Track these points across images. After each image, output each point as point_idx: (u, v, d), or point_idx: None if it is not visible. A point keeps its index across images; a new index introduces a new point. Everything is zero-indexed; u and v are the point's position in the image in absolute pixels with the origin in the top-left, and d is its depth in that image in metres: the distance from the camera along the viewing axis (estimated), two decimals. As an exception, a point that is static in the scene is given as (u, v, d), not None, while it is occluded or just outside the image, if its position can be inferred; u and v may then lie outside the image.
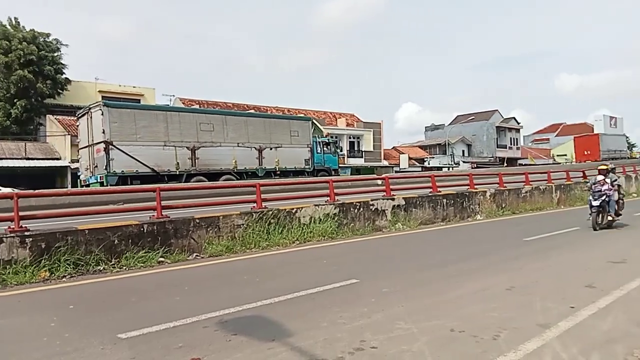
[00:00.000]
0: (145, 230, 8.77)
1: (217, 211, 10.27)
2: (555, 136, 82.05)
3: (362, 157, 48.06)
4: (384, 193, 13.80)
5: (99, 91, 36.60)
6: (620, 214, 12.94)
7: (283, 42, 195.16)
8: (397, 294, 5.98)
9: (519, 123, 67.62)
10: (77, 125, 20.26)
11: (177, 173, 19.13)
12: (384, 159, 49.92)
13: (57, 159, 29.69)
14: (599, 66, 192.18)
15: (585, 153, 50.10)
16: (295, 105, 50.12)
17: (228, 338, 4.45)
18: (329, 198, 12.24)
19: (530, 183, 19.63)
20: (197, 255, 9.17)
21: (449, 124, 67.26)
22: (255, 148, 21.43)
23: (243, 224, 10.13)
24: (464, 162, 55.85)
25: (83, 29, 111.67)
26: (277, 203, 11.55)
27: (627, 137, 61.94)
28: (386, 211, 13.29)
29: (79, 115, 19.83)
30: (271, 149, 21.90)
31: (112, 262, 8.10)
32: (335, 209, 11.94)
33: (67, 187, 25.95)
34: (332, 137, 30.58)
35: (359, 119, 52.50)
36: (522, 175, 20.56)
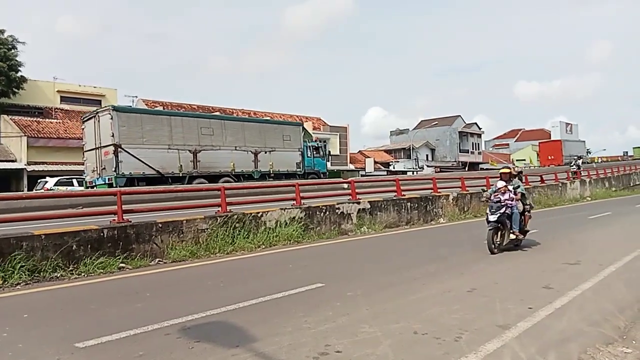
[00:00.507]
0: (105, 235, 8.52)
1: (181, 215, 10.09)
2: (515, 141, 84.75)
3: (328, 160, 48.11)
4: (350, 197, 13.90)
5: (58, 91, 35.45)
6: (528, 231, 10.30)
7: (250, 44, 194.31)
8: (362, 298, 6.02)
9: (480, 128, 69.50)
10: (83, 129, 20.38)
11: (180, 175, 19.65)
12: (350, 162, 50.28)
13: (12, 160, 28.52)
14: (557, 74, 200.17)
15: (550, 158, 53.27)
16: (261, 108, 49.93)
17: (190, 345, 4.37)
18: (295, 202, 12.22)
19: (491, 187, 20.15)
20: (159, 261, 8.97)
21: (414, 129, 68.44)
22: (251, 152, 22.17)
23: (207, 229, 9.98)
24: (427, 166, 56.87)
25: (42, 27, 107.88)
26: (243, 207, 11.45)
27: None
28: (352, 215, 13.38)
29: (85, 119, 20.07)
30: (266, 152, 22.67)
31: (70, 269, 7.81)
32: (301, 212, 11.93)
33: (23, 191, 24.94)
34: (321, 141, 31.47)
35: (325, 122, 52.67)
36: (483, 179, 21.10)
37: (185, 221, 9.76)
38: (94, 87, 36.90)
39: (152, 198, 13.36)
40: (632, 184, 39.30)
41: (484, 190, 10.95)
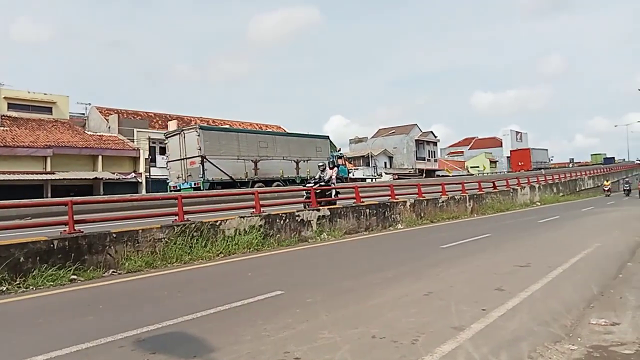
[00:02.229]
0: (55, 247, 8.18)
1: (137, 225, 9.83)
2: (469, 149, 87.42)
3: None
4: (310, 204, 13.94)
5: (5, 97, 33.86)
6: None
7: (214, 52, 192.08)
8: (321, 304, 6.04)
9: (436, 137, 71.26)
10: (166, 144, 25.00)
11: (246, 180, 23.72)
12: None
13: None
14: (511, 84, 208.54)
15: (520, 164, 60.09)
16: (221, 115, 49.36)
17: (146, 357, 4.26)
18: (254, 210, 12.14)
19: (447, 193, 20.73)
20: (114, 272, 8.69)
21: (372, 137, 69.41)
22: (294, 161, 26.66)
23: (164, 238, 9.76)
24: (386, 173, 57.74)
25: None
26: (202, 215, 11.27)
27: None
28: (312, 222, 13.42)
29: (169, 135, 24.92)
30: (304, 161, 27.15)
31: (17, 282, 7.45)
32: (261, 220, 11.86)
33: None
34: (342, 152, 37.58)
35: (285, 130, 52.63)
36: (439, 186, 21.66)
37: (141, 231, 9.50)
38: (44, 94, 35.46)
39: (106, 208, 12.96)
40: (577, 189, 41.37)
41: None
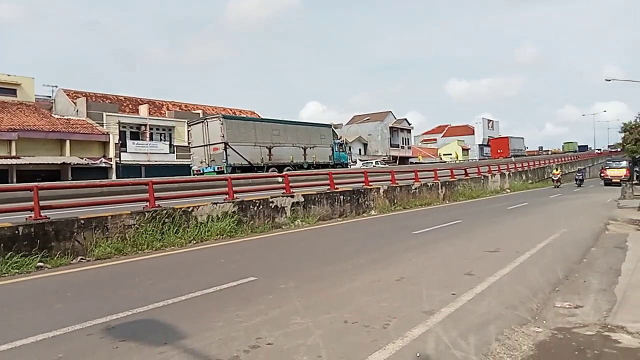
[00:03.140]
0: (20, 233, 7.95)
1: (106, 211, 9.62)
2: (442, 137, 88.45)
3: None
4: (284, 190, 13.90)
5: (-36, 78, 32.44)
6: None
7: (190, 35, 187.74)
8: (294, 290, 6.05)
9: (410, 124, 71.77)
10: (190, 131, 26.97)
11: (262, 165, 25.53)
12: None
13: None
14: (485, 73, 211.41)
15: (499, 152, 63.43)
16: (195, 100, 48.56)
17: (115, 345, 4.19)
18: (227, 196, 12.03)
19: (419, 180, 20.97)
20: (82, 259, 8.50)
21: (347, 124, 69.46)
22: (302, 147, 28.55)
23: (134, 224, 9.60)
24: (360, 160, 58.00)
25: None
26: (174, 201, 11.11)
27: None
28: (285, 208, 13.39)
29: (192, 123, 26.74)
30: (311, 148, 29.20)
31: (-21, 270, 7.22)
32: (234, 206, 11.77)
33: None
34: (343, 140, 39.55)
35: (259, 116, 52.17)
36: (412, 173, 21.90)
37: (110, 217, 9.31)
38: (8, 75, 34.09)
39: (74, 193, 12.61)
40: (546, 177, 42.39)
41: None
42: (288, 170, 25.63)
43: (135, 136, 37.21)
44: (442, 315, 4.89)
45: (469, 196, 24.31)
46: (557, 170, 37.55)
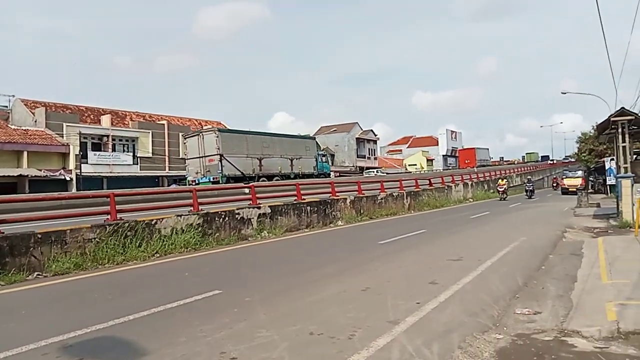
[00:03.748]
0: (-29, 249, 7.59)
1: (65, 224, 9.30)
2: (407, 147, 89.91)
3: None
4: (251, 202, 13.80)
5: None
6: None
7: (156, 45, 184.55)
8: (260, 302, 6.00)
9: (376, 135, 72.73)
10: (185, 143, 28.20)
11: (253, 175, 26.69)
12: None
13: None
14: (449, 85, 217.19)
15: (466, 162, 66.89)
16: (160, 110, 47.75)
17: (73, 364, 4.04)
18: (192, 208, 11.85)
19: (385, 190, 21.22)
20: (39, 275, 8.18)
21: (314, 134, 69.72)
22: (289, 158, 30.06)
23: (95, 238, 9.32)
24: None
25: None
26: (137, 214, 10.85)
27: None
28: (252, 220, 13.29)
29: (188, 136, 28.04)
30: (297, 159, 30.69)
31: None
32: (199, 218, 11.60)
33: None
34: (324, 151, 42.36)
35: (226, 127, 51.77)
36: (378, 183, 22.14)
37: (69, 231, 9.01)
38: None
39: (31, 207, 12.14)
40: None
41: None
42: (277, 179, 27.36)
43: (97, 147, 36.29)
44: (406, 325, 4.94)
45: (433, 206, 24.76)
46: (502, 180, 33.30)
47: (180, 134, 42.16)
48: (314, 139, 36.68)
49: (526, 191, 34.94)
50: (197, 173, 26.54)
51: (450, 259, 8.99)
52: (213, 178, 25.34)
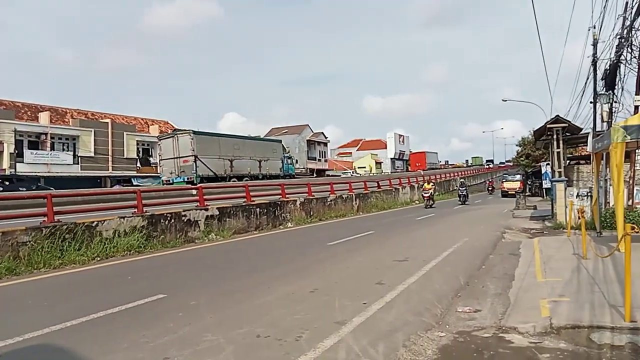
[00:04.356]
0: None
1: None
2: (357, 150, 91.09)
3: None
4: (198, 203, 13.53)
5: None
6: None
7: (102, 40, 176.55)
8: (206, 306, 5.89)
9: (326, 137, 73.23)
10: (159, 145, 29.51)
11: (225, 176, 28.61)
12: (200, 168, 48.85)
13: None
14: (399, 90, 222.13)
15: (417, 165, 71.58)
16: (104, 108, 45.90)
17: (2, 375, 3.81)
18: (136, 209, 11.47)
19: (335, 192, 21.41)
20: (-35, 281, 7.65)
21: (265, 136, 69.31)
22: (257, 160, 32.39)
23: (30, 241, 8.83)
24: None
25: None
26: (77, 216, 10.38)
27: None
28: (199, 222, 13.03)
29: (163, 138, 29.53)
30: (265, 161, 33.06)
31: None
32: (143, 220, 11.24)
33: None
34: (289, 154, 42.40)
35: (173, 126, 50.44)
36: (328, 185, 22.31)
37: (1, 234, 8.50)
38: None
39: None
40: (451, 189, 45.19)
41: None
42: (246, 180, 28.03)
43: (34, 146, 34.44)
44: (353, 325, 5.00)
45: (381, 207, 25.23)
46: (428, 184, 28.44)
47: (125, 133, 40.87)
48: (281, 142, 38.53)
49: (459, 196, 30.44)
50: (171, 173, 27.94)
51: (397, 259, 9.18)
52: (187, 178, 26.48)
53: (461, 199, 30.34)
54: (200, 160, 27.14)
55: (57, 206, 9.97)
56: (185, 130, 29.50)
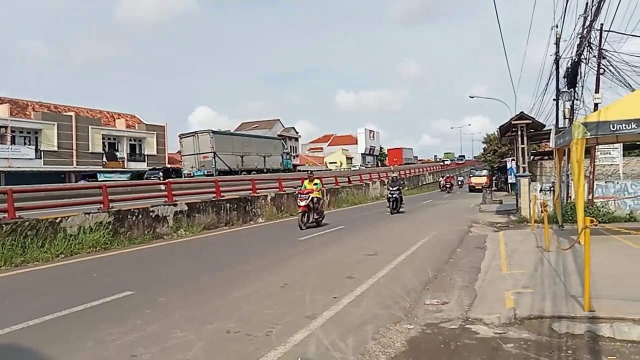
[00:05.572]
0: None
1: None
2: (328, 145, 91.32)
3: (144, 160, 45.49)
4: (166, 199, 13.31)
5: None
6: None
7: (72, 32, 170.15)
8: (175, 302, 5.82)
9: (297, 132, 73.18)
10: (181, 143, 34.00)
11: (237, 170, 32.86)
12: (169, 163, 48.05)
13: None
14: (371, 86, 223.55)
15: (394, 160, 75.26)
16: (70, 101, 44.49)
17: (-40, 377, 3.67)
18: (102, 205, 11.20)
19: (306, 187, 21.38)
20: None
21: (235, 130, 68.60)
22: (262, 156, 37.02)
23: (-11, 238, 8.51)
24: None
25: None
26: (39, 212, 10.06)
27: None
28: (168, 217, 12.84)
29: (183, 136, 33.85)
30: (268, 156, 37.82)
31: None
32: (109, 216, 11.00)
33: None
34: (288, 150, 48.06)
35: (140, 120, 49.41)
36: (299, 181, 22.27)
37: (-43, 231, 8.16)
38: None
39: None
40: (420, 184, 45.87)
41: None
42: (254, 173, 32.52)
43: (-6, 139, 33.12)
44: (323, 319, 5.03)
45: (351, 202, 25.40)
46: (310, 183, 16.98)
47: (90, 126, 39.78)
48: (281, 139, 45.01)
49: (389, 200, 19.59)
50: (192, 167, 32.32)
51: (367, 253, 9.27)
52: (207, 172, 30.54)
53: (391, 204, 19.41)
54: (219, 157, 31.60)
55: (19, 202, 9.64)
56: (204, 130, 33.62)
